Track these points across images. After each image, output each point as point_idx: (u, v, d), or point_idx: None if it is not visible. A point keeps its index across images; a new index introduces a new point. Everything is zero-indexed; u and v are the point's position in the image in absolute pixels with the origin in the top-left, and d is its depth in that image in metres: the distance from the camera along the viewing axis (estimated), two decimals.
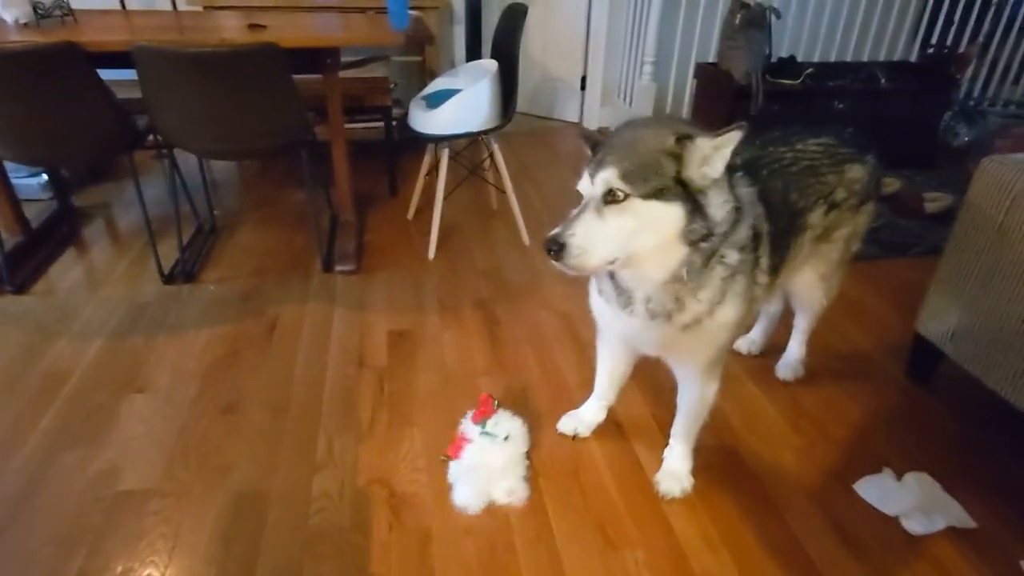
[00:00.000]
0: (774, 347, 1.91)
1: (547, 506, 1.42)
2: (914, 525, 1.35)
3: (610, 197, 1.02)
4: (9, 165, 2.45)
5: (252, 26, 2.14)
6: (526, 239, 2.60)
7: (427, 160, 2.65)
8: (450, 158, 2.43)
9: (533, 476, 1.48)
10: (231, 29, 2.24)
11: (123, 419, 1.64)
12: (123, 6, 3.22)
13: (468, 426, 1.53)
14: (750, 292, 1.19)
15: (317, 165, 2.28)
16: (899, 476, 1.45)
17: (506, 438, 1.50)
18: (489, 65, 2.39)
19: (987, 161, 1.52)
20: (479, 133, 2.34)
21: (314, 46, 2.03)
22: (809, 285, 1.60)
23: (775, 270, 1.29)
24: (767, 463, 1.54)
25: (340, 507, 1.40)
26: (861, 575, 1.26)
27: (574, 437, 1.61)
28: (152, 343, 1.94)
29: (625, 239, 1.04)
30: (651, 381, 1.73)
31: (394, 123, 3.00)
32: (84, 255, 2.48)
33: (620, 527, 1.37)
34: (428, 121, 2.30)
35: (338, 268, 2.34)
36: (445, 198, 2.45)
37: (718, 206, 1.06)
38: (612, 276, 1.18)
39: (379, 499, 1.42)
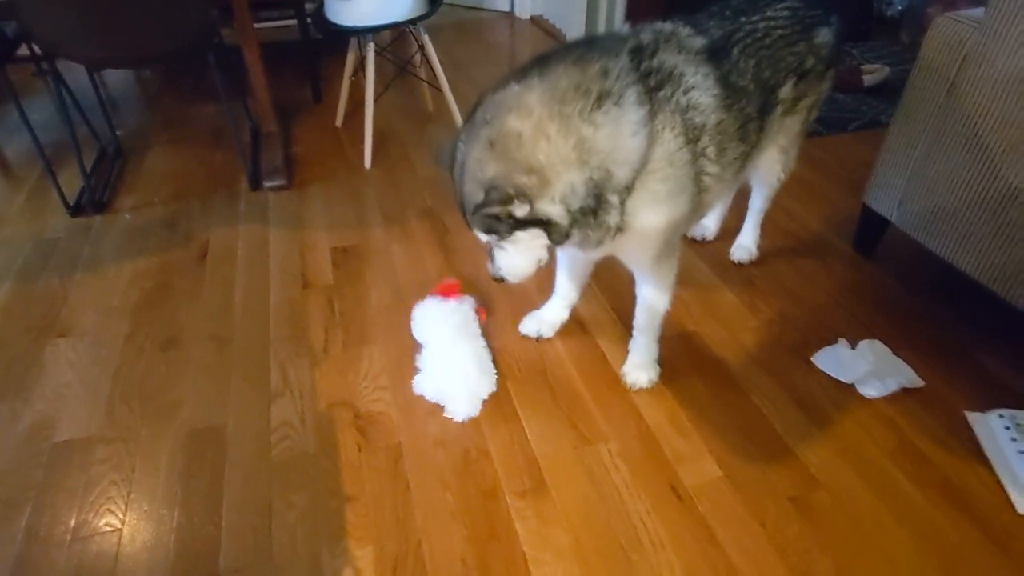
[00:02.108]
0: (726, 231, 1.90)
1: (517, 408, 1.40)
2: (869, 390, 1.40)
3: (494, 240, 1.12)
4: None
5: None
6: None
7: (351, 58, 2.42)
8: (377, 54, 2.22)
9: (501, 379, 1.46)
10: None
11: (49, 366, 1.51)
12: None
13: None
14: (686, 190, 1.13)
15: (229, 73, 2.03)
16: (853, 345, 1.49)
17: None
18: None
19: (941, 19, 1.47)
20: (406, 23, 2.12)
21: None
22: (768, 160, 1.55)
23: (741, 157, 1.24)
24: (728, 345, 1.56)
25: (303, 434, 1.35)
26: (824, 442, 1.31)
27: (538, 338, 1.58)
28: (68, 282, 1.76)
29: (532, 253, 1.14)
30: (610, 276, 1.70)
31: (309, 19, 2.71)
32: None
33: (591, 422, 1.37)
34: (347, 11, 2.07)
35: (267, 184, 2.16)
36: (376, 100, 2.27)
37: (570, 198, 1.02)
38: None
39: (343, 421, 1.37)
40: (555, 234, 1.06)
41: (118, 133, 2.46)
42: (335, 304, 1.69)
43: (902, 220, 1.65)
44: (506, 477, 1.26)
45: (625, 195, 1.06)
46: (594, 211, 1.05)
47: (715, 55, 1.15)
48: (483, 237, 1.12)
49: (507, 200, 1.00)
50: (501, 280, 1.19)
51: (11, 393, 1.44)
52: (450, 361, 1.41)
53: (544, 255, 1.15)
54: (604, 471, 1.27)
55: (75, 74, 2.06)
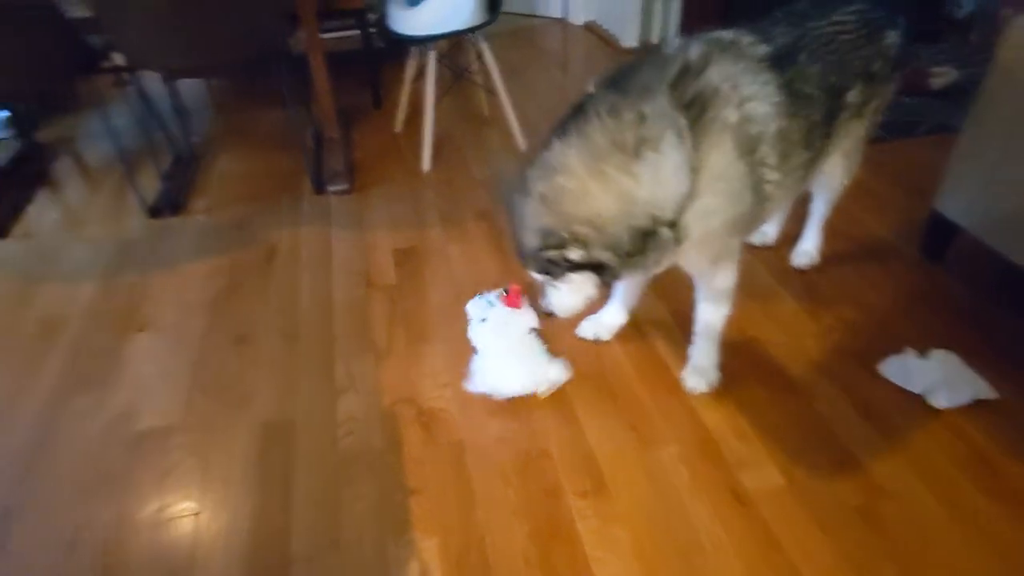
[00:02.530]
0: (786, 237, 1.87)
1: (576, 409, 1.42)
2: (940, 400, 1.36)
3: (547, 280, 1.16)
4: None
5: None
6: (522, 144, 2.49)
7: (412, 65, 2.48)
8: (436, 61, 2.27)
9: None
10: None
11: (130, 359, 1.60)
12: None
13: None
14: (741, 199, 1.13)
15: (295, 80, 2.12)
16: (922, 354, 1.45)
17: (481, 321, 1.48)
18: None
19: (1019, 20, 1.43)
20: (466, 31, 2.17)
21: None
22: (831, 165, 1.53)
23: (805, 163, 1.23)
24: (789, 351, 1.54)
25: (368, 429, 1.39)
26: (890, 451, 1.29)
27: (596, 341, 1.59)
28: (148, 280, 1.86)
29: (583, 293, 1.17)
30: (669, 280, 1.69)
31: (372, 30, 2.79)
32: (59, 194, 2.35)
33: (651, 424, 1.38)
34: (410, 21, 2.13)
35: (330, 188, 2.24)
36: (435, 105, 2.32)
37: (618, 246, 1.06)
38: None
39: (407, 417, 1.41)
40: (607, 275, 1.11)
41: (193, 139, 2.58)
42: (397, 303, 1.74)
43: (975, 226, 1.60)
44: (567, 477, 1.28)
45: (677, 220, 1.07)
46: (643, 249, 1.07)
47: (779, 62, 1.15)
48: (538, 277, 1.17)
49: (561, 245, 1.05)
50: (551, 315, 1.24)
51: (96, 384, 1.53)
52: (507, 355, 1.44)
53: (594, 292, 1.18)
54: (665, 474, 1.27)
55: (151, 83, 2.18)
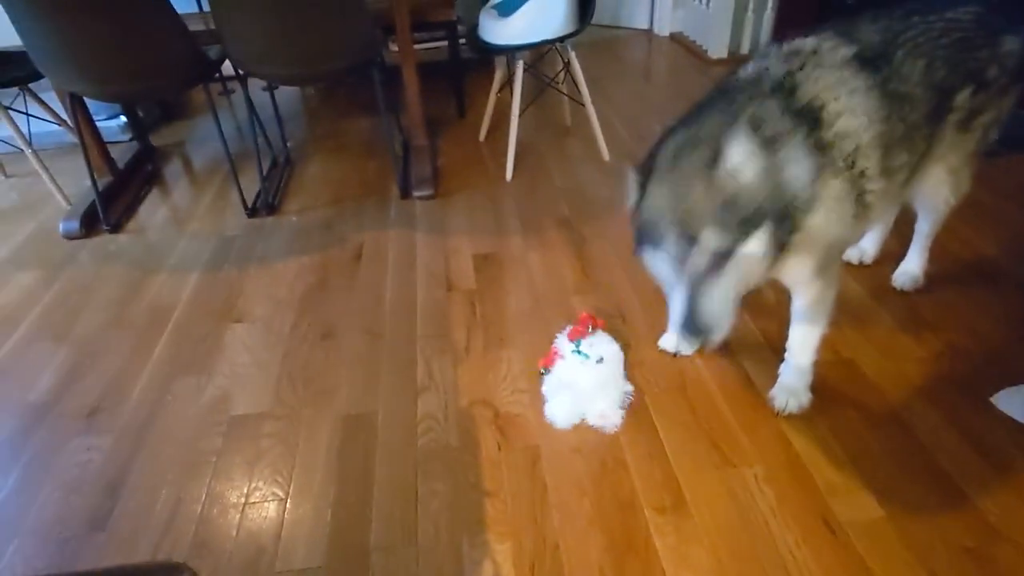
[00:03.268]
0: (887, 255, 1.77)
1: (656, 422, 1.38)
2: None
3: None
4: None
5: None
6: (606, 154, 2.47)
7: (499, 75, 2.53)
8: (524, 71, 2.29)
9: (637, 393, 1.44)
10: None
11: (228, 347, 1.69)
12: None
13: (562, 342, 1.48)
14: (848, 199, 1.06)
15: (385, 89, 2.19)
16: None
17: (599, 361, 1.44)
18: None
19: None
20: (556, 40, 2.19)
21: None
22: (937, 181, 1.44)
23: (907, 167, 1.16)
24: (889, 375, 1.45)
25: (446, 427, 1.41)
26: (1006, 490, 1.18)
27: (676, 354, 1.55)
28: (244, 275, 1.97)
29: (737, 290, 1.03)
30: (757, 295, 1.64)
31: (460, 41, 2.86)
32: (168, 193, 2.53)
33: (735, 443, 1.32)
34: (501, 30, 2.17)
35: (416, 194, 2.30)
36: (520, 114, 2.34)
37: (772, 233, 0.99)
38: None
39: (484, 419, 1.42)
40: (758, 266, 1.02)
41: (288, 144, 2.72)
42: (476, 307, 1.76)
43: None
44: (644, 491, 1.24)
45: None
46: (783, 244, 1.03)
47: (870, 62, 1.09)
48: (683, 280, 1.02)
49: (757, 222, 0.97)
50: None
51: (197, 368, 1.63)
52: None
53: (741, 293, 1.05)
54: (749, 495, 1.22)
55: (253, 92, 2.32)
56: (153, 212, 2.38)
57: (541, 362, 1.48)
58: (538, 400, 1.45)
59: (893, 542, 1.11)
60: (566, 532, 1.18)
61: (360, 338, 1.68)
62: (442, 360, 1.59)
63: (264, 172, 2.38)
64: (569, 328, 1.49)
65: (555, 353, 1.46)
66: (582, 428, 1.38)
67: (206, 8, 2.05)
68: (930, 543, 1.11)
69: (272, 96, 2.67)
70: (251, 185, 2.35)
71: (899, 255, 1.72)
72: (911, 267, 1.69)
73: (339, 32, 1.94)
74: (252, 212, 2.26)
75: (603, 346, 1.47)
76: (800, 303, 1.28)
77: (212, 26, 1.94)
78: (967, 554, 1.09)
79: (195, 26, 2.00)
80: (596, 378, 1.42)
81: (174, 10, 1.86)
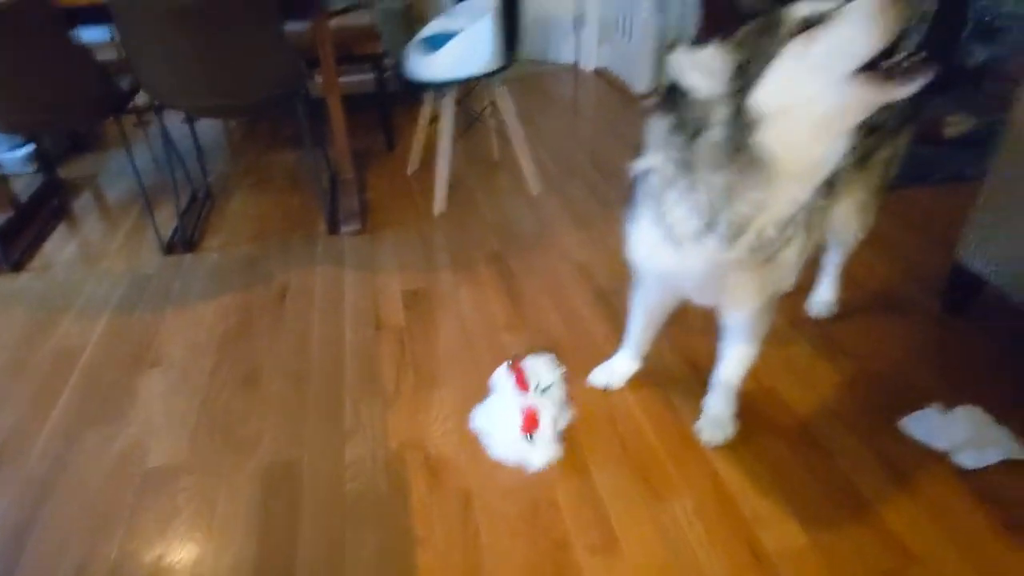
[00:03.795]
0: (801, 285, 1.84)
1: (587, 460, 1.38)
2: (966, 459, 1.31)
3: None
4: None
5: None
6: (534, 188, 2.50)
7: (426, 109, 2.53)
8: (452, 106, 2.30)
9: (569, 430, 1.44)
10: None
11: (141, 394, 1.59)
12: None
13: (527, 397, 1.44)
14: (813, 216, 1.11)
15: (311, 122, 2.15)
16: (947, 410, 1.41)
17: (546, 389, 1.44)
18: (489, 3, 2.24)
19: None
20: (483, 76, 2.21)
21: None
22: (846, 215, 1.52)
23: (828, 194, 1.21)
24: (808, 402, 1.50)
25: (375, 472, 1.36)
26: (919, 513, 1.23)
27: (606, 389, 1.56)
28: (160, 316, 1.86)
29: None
30: (681, 327, 1.67)
31: (386, 73, 2.86)
32: (77, 229, 2.38)
33: (664, 477, 1.33)
34: (429, 65, 2.17)
35: (344, 229, 2.26)
36: (450, 148, 2.34)
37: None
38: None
39: (414, 462, 1.38)
40: None
41: (209, 178, 2.62)
42: (406, 345, 1.72)
43: (1002, 279, 1.57)
44: (576, 531, 1.23)
45: None
46: None
47: None
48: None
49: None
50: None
51: (108, 418, 1.52)
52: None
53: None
54: (679, 529, 1.22)
55: (172, 123, 2.23)
56: (60, 249, 2.23)
57: (523, 429, 1.40)
58: (469, 440, 1.43)
59: (816, 568, 1.14)
60: None
61: (284, 382, 1.62)
62: (371, 402, 1.54)
63: (183, 207, 2.28)
64: (511, 379, 1.47)
65: (532, 412, 1.42)
66: (514, 469, 1.36)
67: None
68: (850, 567, 1.14)
69: (192, 128, 2.58)
70: (169, 221, 2.24)
71: (813, 285, 1.80)
72: (824, 296, 1.78)
73: (259, 63, 1.89)
74: (169, 249, 2.16)
75: (546, 373, 1.49)
76: (737, 335, 1.31)
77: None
78: (883, 575, 1.13)
79: (106, 55, 1.91)
80: (550, 413, 1.41)
81: (78, 39, 1.77)
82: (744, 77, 0.90)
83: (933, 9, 3.21)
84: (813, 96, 0.86)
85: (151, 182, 2.51)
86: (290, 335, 1.78)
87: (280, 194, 2.57)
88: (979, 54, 3.48)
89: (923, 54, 0.78)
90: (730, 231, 1.01)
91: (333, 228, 2.27)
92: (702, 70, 0.93)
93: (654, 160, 1.06)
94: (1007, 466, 1.30)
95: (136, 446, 1.44)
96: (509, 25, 2.21)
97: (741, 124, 0.91)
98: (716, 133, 0.94)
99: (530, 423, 1.39)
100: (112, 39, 2.28)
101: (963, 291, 1.72)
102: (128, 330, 1.81)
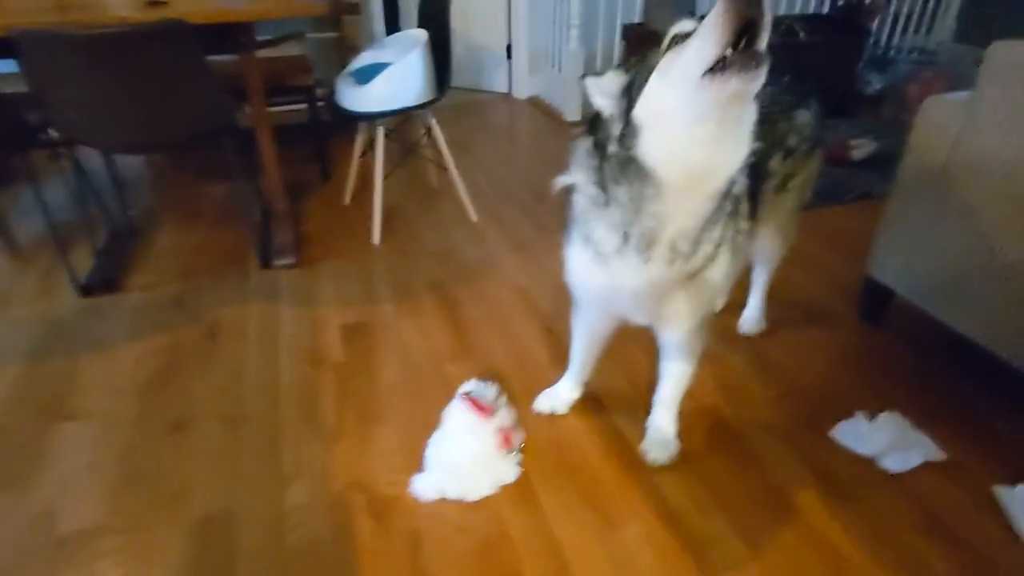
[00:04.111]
0: (731, 305, 1.92)
1: (536, 488, 1.37)
2: (891, 463, 1.39)
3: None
4: None
5: (152, 3, 1.91)
6: (473, 215, 2.51)
7: (360, 140, 2.51)
8: (385, 136, 2.29)
9: (520, 459, 1.43)
10: (125, 6, 1.99)
11: (55, 452, 1.47)
12: None
13: (494, 419, 1.43)
14: (737, 237, 1.16)
15: (241, 154, 2.09)
16: (871, 418, 1.49)
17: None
18: (419, 35, 2.25)
19: (930, 101, 1.55)
20: (415, 107, 2.21)
21: (223, 21, 1.84)
22: (768, 237, 1.60)
23: (752, 216, 1.27)
24: (744, 418, 1.55)
25: (317, 519, 1.31)
26: (852, 519, 1.29)
27: (552, 415, 1.56)
28: (76, 364, 1.74)
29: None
30: (622, 352, 1.70)
31: (319, 104, 2.82)
32: None
33: (612, 503, 1.34)
34: (360, 98, 2.16)
35: (277, 262, 2.19)
36: (385, 178, 2.33)
37: None
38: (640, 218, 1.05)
39: (358, 505, 1.34)
40: None
41: (131, 213, 2.50)
42: (347, 382, 1.68)
43: (907, 290, 1.68)
44: (530, 565, 1.22)
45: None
46: None
47: None
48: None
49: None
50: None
51: (15, 481, 1.40)
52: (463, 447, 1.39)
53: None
54: (628, 557, 1.23)
55: (88, 155, 2.11)
56: None
57: (503, 446, 1.41)
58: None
59: None
60: None
61: (216, 427, 1.54)
62: (310, 443, 1.49)
63: (101, 245, 2.16)
64: (469, 409, 1.44)
65: (508, 432, 1.42)
66: (463, 505, 1.34)
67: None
68: None
69: (108, 161, 2.46)
70: (88, 261, 2.11)
71: (742, 304, 1.87)
72: (753, 313, 1.86)
73: (183, 100, 1.83)
74: (86, 291, 2.03)
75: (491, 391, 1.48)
76: (674, 354, 1.34)
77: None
78: None
79: (13, 88, 1.80)
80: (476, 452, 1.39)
81: None
82: (630, 95, 0.97)
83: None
84: (676, 103, 0.91)
85: (68, 218, 2.35)
86: (222, 377, 1.70)
87: (209, 228, 2.47)
88: (875, 83, 3.77)
89: (754, 49, 0.84)
90: (641, 244, 1.07)
91: (266, 262, 2.20)
92: (603, 92, 1.02)
93: (575, 177, 1.13)
94: (927, 467, 1.39)
95: (47, 510, 1.33)
96: (440, 58, 2.23)
97: (628, 137, 0.98)
98: (613, 147, 1.02)
99: (507, 441, 1.40)
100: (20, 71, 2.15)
101: (876, 302, 1.83)
102: (39, 381, 1.68)
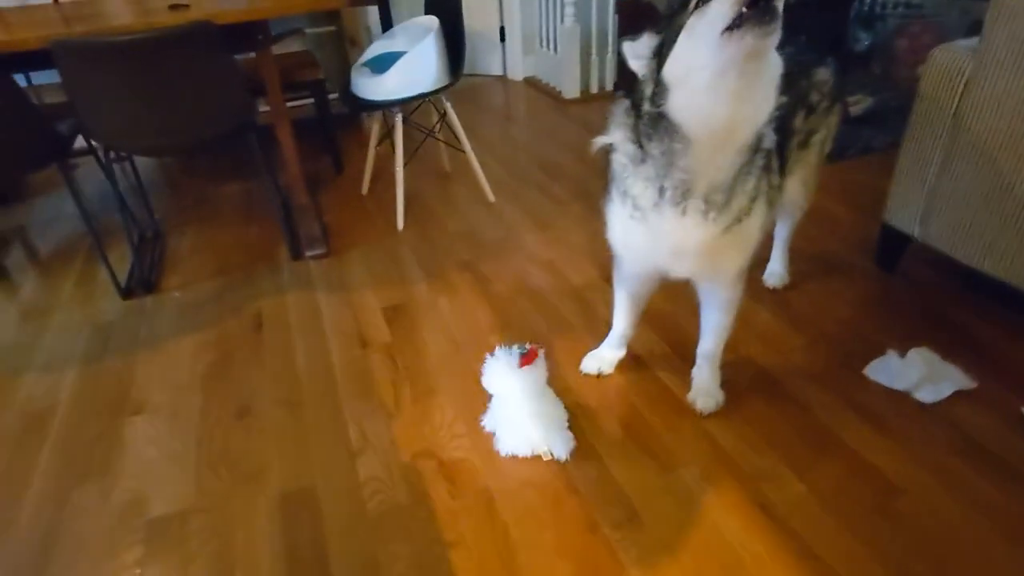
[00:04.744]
0: (755, 261, 1.98)
1: (594, 444, 1.45)
2: (925, 395, 1.47)
3: None
4: None
5: (173, 6, 1.95)
6: (490, 196, 2.57)
7: (376, 129, 2.55)
8: (402, 123, 2.34)
9: (570, 419, 1.50)
10: (151, 12, 2.02)
11: (129, 444, 1.53)
12: None
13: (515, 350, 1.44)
14: (771, 192, 1.23)
15: (257, 151, 2.13)
16: (901, 355, 1.57)
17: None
18: (429, 22, 2.30)
19: (938, 50, 1.62)
20: (432, 93, 2.26)
21: (249, 19, 1.88)
22: (793, 191, 1.67)
23: (781, 171, 1.34)
24: (781, 366, 1.63)
25: (393, 487, 1.38)
26: (894, 449, 1.37)
27: (599, 375, 1.64)
28: (132, 362, 1.80)
29: None
30: (654, 310, 1.77)
31: (336, 96, 2.85)
32: (18, 283, 2.25)
33: (667, 449, 1.42)
34: (377, 87, 2.20)
35: (308, 253, 2.24)
36: (405, 165, 2.38)
37: None
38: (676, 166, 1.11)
39: (429, 471, 1.41)
40: None
41: (155, 216, 2.53)
42: (397, 359, 1.74)
43: (925, 235, 1.76)
44: (599, 511, 1.30)
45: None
46: None
47: None
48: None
49: None
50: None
51: (97, 473, 1.46)
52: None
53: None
54: (691, 496, 1.31)
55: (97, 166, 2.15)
56: (2, 308, 2.11)
57: (523, 363, 1.42)
58: (479, 442, 1.47)
59: (819, 513, 1.26)
60: (535, 566, 1.20)
61: (279, 410, 1.60)
62: (374, 419, 1.56)
63: (133, 249, 2.20)
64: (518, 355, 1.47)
65: (534, 352, 1.44)
66: (527, 462, 1.41)
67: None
68: (846, 508, 1.26)
69: (133, 166, 2.49)
70: (119, 264, 2.16)
71: (764, 259, 1.95)
72: (777, 267, 1.93)
73: (211, 99, 1.87)
74: (127, 292, 2.08)
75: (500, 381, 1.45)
76: (715, 304, 1.41)
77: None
78: (877, 511, 1.25)
79: (52, 98, 1.83)
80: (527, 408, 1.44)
81: (16, 85, 1.70)
82: (660, 55, 1.04)
83: None
84: (700, 60, 0.98)
85: (92, 227, 2.39)
86: (274, 364, 1.76)
87: (234, 226, 2.51)
88: (864, 39, 3.84)
89: (767, 5, 0.90)
90: (676, 197, 1.14)
91: (297, 254, 2.25)
92: (636, 55, 1.09)
93: (613, 136, 1.20)
94: (959, 396, 1.48)
95: (136, 497, 1.40)
96: (453, 43, 2.27)
97: (658, 95, 1.05)
98: (646, 106, 1.09)
99: (531, 356, 1.42)
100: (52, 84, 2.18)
101: (893, 249, 1.92)
102: (101, 381, 1.74)
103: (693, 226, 1.17)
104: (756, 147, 1.12)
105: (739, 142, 1.08)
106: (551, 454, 1.41)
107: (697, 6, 0.98)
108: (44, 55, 1.61)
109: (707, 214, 1.15)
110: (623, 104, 1.18)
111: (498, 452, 1.43)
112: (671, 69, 1.02)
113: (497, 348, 1.45)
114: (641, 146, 1.14)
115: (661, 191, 1.15)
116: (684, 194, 1.13)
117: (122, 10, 2.14)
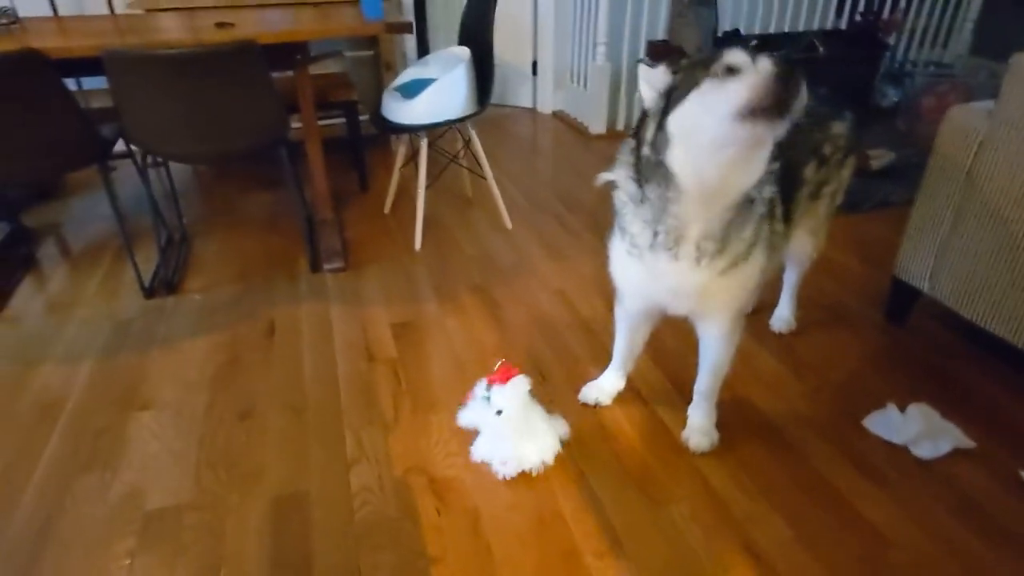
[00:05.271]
0: (761, 305, 2.00)
1: (584, 471, 1.46)
2: (922, 451, 1.46)
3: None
4: None
5: (220, 24, 2.06)
6: (508, 223, 2.62)
7: (402, 152, 2.63)
8: (427, 148, 2.41)
9: (564, 446, 1.52)
10: (199, 29, 2.14)
11: (134, 438, 1.58)
12: (55, 13, 3.01)
13: (479, 386, 1.49)
14: (773, 238, 1.25)
15: (286, 165, 2.22)
16: (902, 409, 1.56)
17: (498, 413, 1.43)
18: (461, 52, 2.38)
19: (954, 110, 1.65)
20: (458, 120, 2.34)
21: (290, 40, 1.98)
22: (800, 240, 1.69)
23: (787, 219, 1.36)
24: (780, 410, 1.63)
25: (383, 498, 1.40)
26: (888, 502, 1.36)
27: (596, 406, 1.65)
28: (146, 359, 1.86)
29: None
30: (659, 346, 1.80)
31: (367, 118, 2.95)
32: (49, 276, 2.35)
33: (659, 485, 1.43)
34: (406, 111, 2.28)
35: (326, 266, 2.31)
36: (428, 187, 2.44)
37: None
38: (668, 214, 1.15)
39: (420, 486, 1.43)
40: None
41: (184, 220, 2.63)
42: (400, 375, 1.78)
43: (934, 290, 1.76)
44: (583, 538, 1.30)
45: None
46: None
47: None
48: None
49: None
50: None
51: (100, 464, 1.51)
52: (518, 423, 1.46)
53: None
54: (678, 532, 1.31)
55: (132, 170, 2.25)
56: (32, 298, 2.20)
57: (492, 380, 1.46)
58: (471, 461, 1.49)
59: (806, 560, 1.25)
60: None
61: (282, 415, 1.64)
62: (371, 430, 1.59)
63: (160, 250, 2.29)
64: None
65: (506, 369, 1.47)
66: (516, 485, 1.43)
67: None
68: (834, 557, 1.25)
69: (168, 172, 2.60)
70: (144, 265, 2.24)
71: (772, 304, 1.96)
72: (784, 313, 1.94)
73: (248, 113, 1.96)
74: (150, 292, 2.16)
75: (506, 399, 1.45)
76: (713, 344, 1.42)
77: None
78: (865, 562, 1.24)
79: (98, 103, 1.94)
80: (507, 426, 1.45)
81: (67, 89, 1.80)
82: (670, 99, 1.07)
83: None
84: (706, 129, 1.02)
85: (122, 227, 2.49)
86: (282, 370, 1.81)
87: (258, 235, 2.60)
88: (891, 95, 3.87)
89: (783, 105, 0.94)
90: (668, 241, 1.18)
91: (315, 266, 2.31)
92: (649, 83, 1.12)
93: (616, 174, 1.24)
94: (957, 454, 1.46)
95: (134, 490, 1.44)
96: (482, 73, 2.35)
97: (659, 143, 1.09)
98: (646, 150, 1.13)
99: (505, 372, 1.44)
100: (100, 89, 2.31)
101: (902, 302, 1.91)
102: (114, 375, 1.80)
103: (688, 269, 1.20)
104: (750, 200, 1.15)
105: (728, 201, 1.13)
106: (543, 466, 1.44)
107: (718, 72, 1.00)
108: (95, 62, 1.71)
109: (699, 260, 1.19)
110: (629, 143, 1.22)
111: (496, 474, 1.44)
112: (676, 121, 1.06)
113: (469, 394, 1.50)
114: (640, 187, 1.18)
115: (655, 234, 1.19)
116: (676, 240, 1.17)
117: (173, 25, 2.27)
